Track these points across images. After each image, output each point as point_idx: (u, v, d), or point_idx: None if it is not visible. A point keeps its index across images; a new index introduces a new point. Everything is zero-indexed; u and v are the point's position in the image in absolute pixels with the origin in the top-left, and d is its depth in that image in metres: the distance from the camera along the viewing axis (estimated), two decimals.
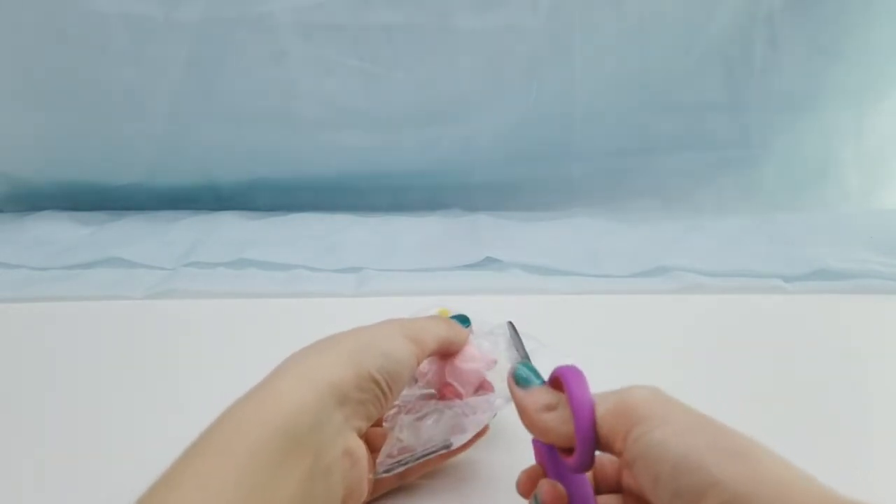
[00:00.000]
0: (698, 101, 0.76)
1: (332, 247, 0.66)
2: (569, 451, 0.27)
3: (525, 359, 0.35)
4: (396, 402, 0.35)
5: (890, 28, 0.74)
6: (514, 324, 0.38)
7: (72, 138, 0.72)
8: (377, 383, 0.29)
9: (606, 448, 0.26)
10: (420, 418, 0.33)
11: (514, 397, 0.29)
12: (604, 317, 0.56)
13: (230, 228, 0.70)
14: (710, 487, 0.21)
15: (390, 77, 0.71)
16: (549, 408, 0.27)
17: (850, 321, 0.56)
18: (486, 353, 0.36)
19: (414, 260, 0.64)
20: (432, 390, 0.35)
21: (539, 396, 0.28)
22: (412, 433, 0.32)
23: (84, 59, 0.67)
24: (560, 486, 0.28)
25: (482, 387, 0.36)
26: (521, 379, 0.29)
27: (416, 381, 0.36)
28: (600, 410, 0.26)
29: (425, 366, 0.36)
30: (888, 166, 0.81)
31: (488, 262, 0.63)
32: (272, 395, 0.27)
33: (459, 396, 0.34)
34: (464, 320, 0.37)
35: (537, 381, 0.29)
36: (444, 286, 0.59)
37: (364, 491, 0.29)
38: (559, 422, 0.27)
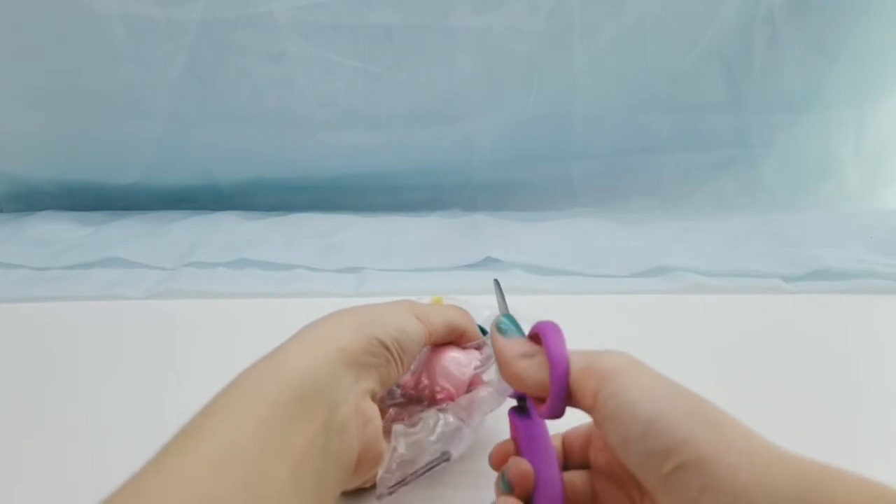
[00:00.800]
0: (698, 101, 0.76)
1: (332, 247, 0.66)
2: (542, 400, 0.28)
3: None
4: (391, 403, 0.35)
5: (890, 28, 0.74)
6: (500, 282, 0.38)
7: (72, 138, 0.72)
8: (387, 347, 0.30)
9: (577, 404, 0.26)
10: (414, 425, 0.32)
11: (494, 345, 0.30)
12: (604, 317, 0.56)
13: (230, 228, 0.70)
14: (678, 446, 0.22)
15: (390, 77, 0.71)
16: (526, 356, 0.28)
17: (850, 321, 0.55)
18: (474, 352, 0.36)
19: (414, 260, 0.64)
20: (423, 395, 0.35)
21: (518, 345, 0.29)
22: (409, 445, 0.32)
23: (84, 59, 0.67)
24: (527, 465, 0.29)
25: (473, 384, 0.36)
26: (502, 329, 0.30)
27: (398, 387, 0.36)
28: (574, 366, 0.26)
29: (415, 366, 0.36)
30: (888, 166, 0.81)
31: (488, 262, 0.63)
32: (285, 358, 0.28)
33: (451, 397, 0.34)
34: (481, 330, 0.38)
35: (517, 333, 0.30)
36: (444, 286, 0.59)
37: (380, 451, 0.30)
38: (534, 369, 0.28)
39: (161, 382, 0.45)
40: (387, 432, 0.32)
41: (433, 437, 0.32)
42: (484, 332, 0.38)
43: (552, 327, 0.29)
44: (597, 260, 0.64)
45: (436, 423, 0.33)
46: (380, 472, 0.31)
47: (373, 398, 0.30)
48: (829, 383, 0.46)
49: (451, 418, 0.33)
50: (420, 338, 0.33)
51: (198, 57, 0.67)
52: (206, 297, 0.57)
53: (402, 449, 0.31)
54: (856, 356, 0.50)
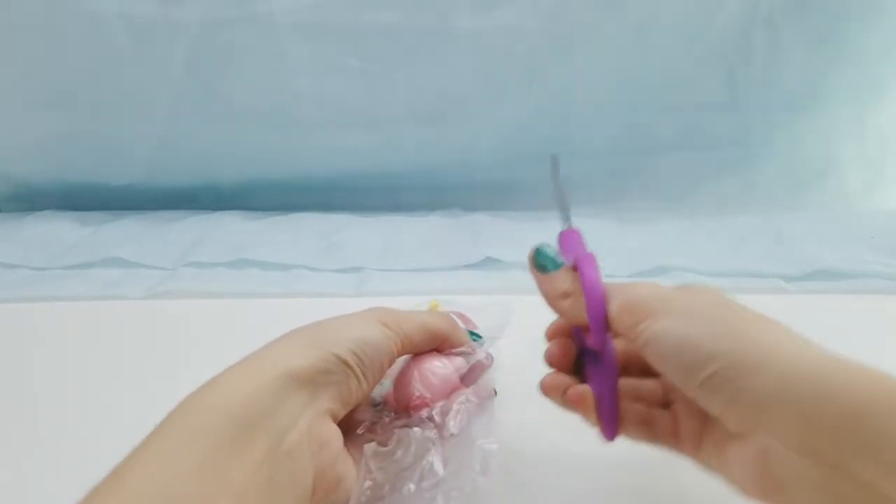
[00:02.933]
0: (698, 101, 0.76)
1: (332, 247, 0.66)
2: (587, 329, 0.31)
3: (564, 212, 0.36)
4: (365, 420, 0.32)
5: (890, 27, 0.74)
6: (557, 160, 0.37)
7: (71, 138, 0.72)
8: (345, 363, 0.28)
9: (621, 336, 0.30)
10: (385, 443, 0.31)
11: (536, 282, 0.32)
12: None
13: (230, 228, 0.70)
14: (709, 359, 0.25)
15: (390, 77, 0.71)
16: (566, 294, 0.31)
17: (851, 321, 0.55)
18: (458, 359, 0.34)
19: (414, 260, 0.64)
20: (393, 407, 0.33)
21: (557, 283, 0.31)
22: (381, 466, 0.30)
23: (84, 59, 0.67)
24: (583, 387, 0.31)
25: (455, 392, 0.34)
26: (539, 265, 0.32)
27: (381, 399, 0.34)
28: (612, 304, 0.29)
29: (393, 370, 0.34)
30: (889, 166, 0.81)
31: (488, 262, 0.63)
32: (222, 385, 0.27)
33: (427, 404, 0.32)
34: (475, 336, 0.36)
35: (554, 267, 0.32)
36: (444, 286, 0.59)
37: (344, 475, 0.28)
38: (575, 309, 0.31)
39: (161, 382, 0.45)
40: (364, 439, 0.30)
41: (406, 460, 0.30)
42: (476, 337, 0.36)
43: (589, 261, 0.31)
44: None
45: (408, 439, 0.31)
46: (354, 491, 0.29)
47: (334, 418, 0.29)
48: None
49: (426, 432, 0.31)
50: (389, 347, 0.31)
51: (198, 57, 0.67)
52: (206, 297, 0.57)
53: (373, 470, 0.29)
54: (856, 356, 0.50)
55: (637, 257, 0.63)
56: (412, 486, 0.30)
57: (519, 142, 0.76)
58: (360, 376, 0.29)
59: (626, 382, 0.32)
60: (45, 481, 0.36)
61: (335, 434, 0.29)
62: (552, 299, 0.32)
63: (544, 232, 0.75)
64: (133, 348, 0.50)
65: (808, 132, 0.79)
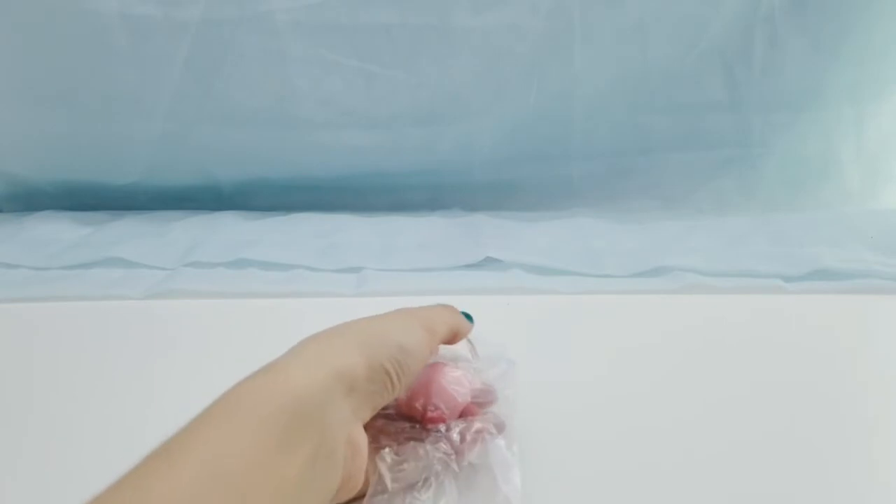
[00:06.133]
0: (698, 100, 0.76)
1: (332, 247, 0.66)
2: None
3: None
4: (380, 414, 0.32)
5: (891, 27, 0.74)
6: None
7: (71, 138, 0.72)
8: (388, 374, 0.28)
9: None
10: (401, 454, 0.30)
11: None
12: (604, 317, 0.56)
13: (230, 228, 0.70)
14: None
15: (390, 77, 0.71)
16: None
17: (851, 321, 0.55)
18: (472, 375, 0.34)
19: (414, 260, 0.64)
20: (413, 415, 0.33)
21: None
22: (395, 477, 0.30)
23: (83, 58, 0.67)
24: None
25: (467, 412, 0.33)
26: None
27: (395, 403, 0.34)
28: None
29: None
30: (889, 166, 0.81)
31: (488, 262, 0.63)
32: (282, 375, 0.26)
33: (443, 419, 0.32)
34: (467, 317, 0.36)
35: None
36: (444, 286, 0.59)
37: (360, 481, 0.29)
38: None
39: (161, 382, 0.45)
40: (371, 443, 0.30)
41: (421, 471, 0.30)
42: (468, 317, 0.36)
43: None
44: (597, 260, 0.64)
45: (425, 454, 0.30)
46: (367, 495, 0.29)
47: (364, 423, 0.29)
48: (830, 383, 0.46)
49: (443, 449, 0.30)
50: (424, 353, 0.30)
51: (197, 56, 0.67)
52: (206, 297, 0.57)
53: (387, 480, 0.29)
54: (856, 356, 0.50)
55: (637, 257, 0.63)
56: (427, 502, 0.29)
57: (519, 142, 0.76)
58: (396, 384, 0.29)
59: None
60: (45, 481, 0.36)
61: (365, 442, 0.29)
62: None
63: (544, 232, 0.76)
64: (133, 348, 0.50)
65: (808, 132, 0.79)
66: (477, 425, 0.32)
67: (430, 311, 0.33)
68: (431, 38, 0.69)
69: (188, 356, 0.49)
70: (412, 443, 0.31)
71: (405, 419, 0.33)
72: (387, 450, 0.30)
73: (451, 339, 0.34)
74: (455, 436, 0.31)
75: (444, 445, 0.31)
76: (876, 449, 0.40)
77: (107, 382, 0.45)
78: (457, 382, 0.33)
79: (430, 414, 0.32)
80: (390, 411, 0.33)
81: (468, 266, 0.63)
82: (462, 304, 0.38)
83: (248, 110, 0.71)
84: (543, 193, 0.80)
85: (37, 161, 0.74)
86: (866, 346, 0.52)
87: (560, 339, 0.51)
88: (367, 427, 0.30)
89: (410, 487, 0.30)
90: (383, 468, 0.29)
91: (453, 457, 0.30)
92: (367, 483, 0.30)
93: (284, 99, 0.70)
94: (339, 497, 0.28)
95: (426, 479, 0.30)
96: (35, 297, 0.57)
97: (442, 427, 0.31)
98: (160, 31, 0.65)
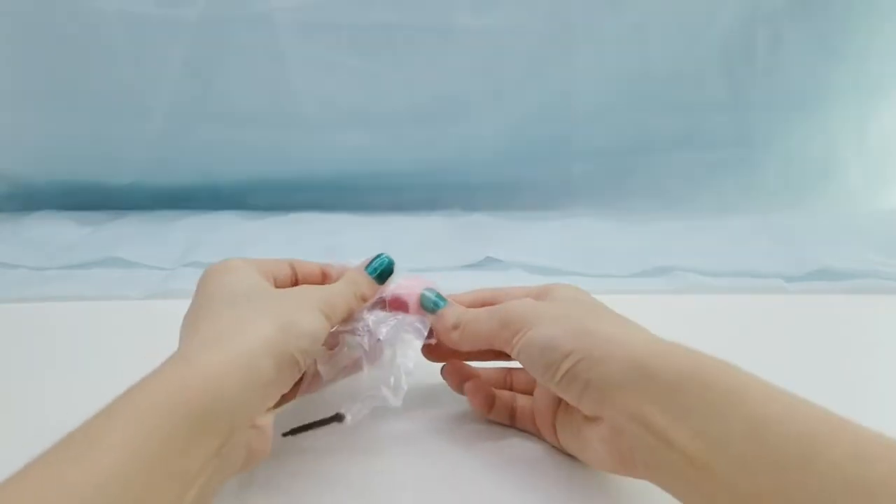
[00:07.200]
0: (699, 100, 0.76)
1: (332, 247, 0.66)
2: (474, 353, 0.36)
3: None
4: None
5: (893, 27, 0.74)
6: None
7: (70, 138, 0.72)
8: (296, 363, 0.29)
9: (503, 355, 0.34)
10: (332, 346, 0.35)
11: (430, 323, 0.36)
12: None
13: (229, 228, 0.70)
14: (565, 356, 0.30)
15: (390, 77, 0.71)
16: (455, 327, 0.35)
17: (852, 321, 0.55)
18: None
19: (414, 260, 0.63)
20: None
21: (445, 319, 0.36)
22: (325, 366, 0.34)
23: (82, 57, 0.67)
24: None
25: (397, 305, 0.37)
26: (427, 308, 0.37)
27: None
28: (491, 325, 0.34)
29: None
30: (890, 166, 0.81)
31: (488, 262, 0.63)
32: (192, 371, 0.27)
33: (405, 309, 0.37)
34: (385, 272, 0.37)
35: (437, 307, 0.36)
36: (444, 286, 0.59)
37: (266, 452, 0.30)
38: (464, 337, 0.35)
39: None
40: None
41: (345, 358, 0.34)
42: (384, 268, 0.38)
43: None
44: (597, 260, 0.63)
45: (346, 343, 0.35)
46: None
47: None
48: (830, 383, 0.46)
49: (361, 338, 0.34)
50: (323, 338, 0.32)
51: (196, 56, 0.67)
52: None
53: (321, 371, 0.34)
54: (857, 356, 0.50)
55: (637, 257, 0.63)
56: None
57: (519, 142, 0.76)
58: (303, 368, 0.30)
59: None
60: None
61: (270, 422, 0.30)
62: (444, 334, 0.36)
63: (544, 232, 0.76)
64: (133, 348, 0.50)
65: (810, 132, 0.79)
66: (392, 320, 0.36)
67: (331, 293, 0.34)
68: (431, 38, 0.69)
69: None
70: (341, 335, 0.35)
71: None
72: (322, 348, 0.34)
73: (349, 315, 0.35)
74: (371, 323, 0.35)
75: (359, 331, 0.35)
76: None
77: (107, 382, 0.45)
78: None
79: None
80: None
81: (468, 266, 0.63)
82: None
83: (248, 110, 0.71)
84: (543, 193, 0.80)
85: (35, 161, 0.74)
86: (867, 346, 0.52)
87: None
88: None
89: (339, 373, 0.35)
90: (318, 363, 0.34)
91: (366, 339, 0.35)
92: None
93: (283, 98, 0.70)
94: (243, 469, 0.29)
95: (348, 365, 0.35)
96: (35, 297, 0.57)
97: (366, 316, 0.36)
98: (159, 30, 0.65)
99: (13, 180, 0.75)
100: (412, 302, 0.37)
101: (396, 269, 0.38)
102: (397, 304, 0.38)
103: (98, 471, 0.22)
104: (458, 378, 0.38)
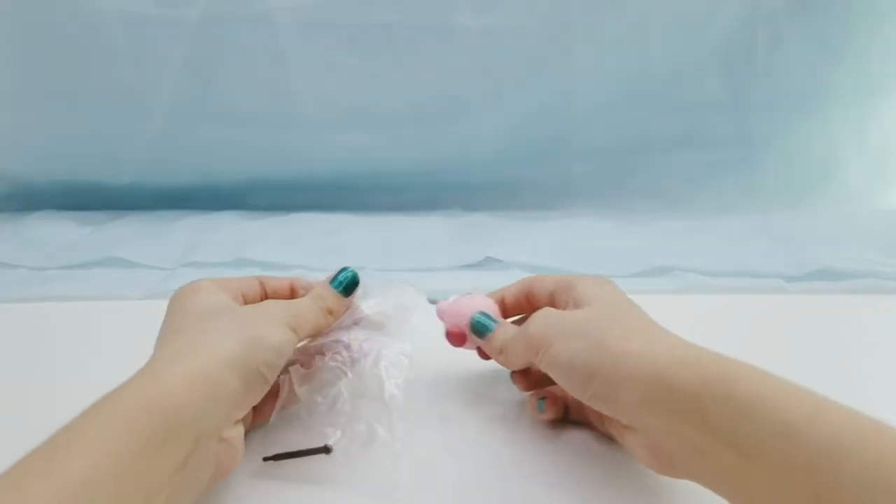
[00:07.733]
0: (699, 100, 0.76)
1: (332, 247, 0.66)
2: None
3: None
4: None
5: (893, 27, 0.74)
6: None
7: (70, 138, 0.72)
8: (262, 376, 0.30)
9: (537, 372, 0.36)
10: (308, 365, 0.35)
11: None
12: None
13: (229, 228, 0.70)
14: (589, 379, 0.31)
15: (390, 77, 0.71)
16: (502, 350, 0.36)
17: (851, 321, 0.55)
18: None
19: (414, 260, 0.64)
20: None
21: (494, 342, 0.37)
22: (301, 387, 0.35)
23: (82, 57, 0.67)
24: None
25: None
26: (477, 332, 0.38)
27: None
28: (518, 346, 0.35)
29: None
30: (890, 166, 0.81)
31: (488, 262, 0.63)
32: (158, 382, 0.27)
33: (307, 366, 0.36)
34: (350, 286, 0.38)
35: (492, 326, 0.37)
36: (444, 286, 0.59)
37: (234, 465, 0.30)
38: (511, 357, 0.36)
39: None
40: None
41: (324, 380, 0.34)
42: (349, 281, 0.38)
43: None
44: (597, 260, 0.63)
45: (325, 366, 0.35)
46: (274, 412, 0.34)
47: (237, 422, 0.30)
48: (830, 383, 0.46)
49: (339, 363, 0.35)
50: (290, 353, 0.32)
51: (196, 56, 0.67)
52: None
53: (296, 391, 0.34)
54: (857, 356, 0.50)
55: (637, 257, 0.63)
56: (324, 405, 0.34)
57: (519, 142, 0.76)
58: (270, 381, 0.31)
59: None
60: None
61: (240, 433, 0.30)
62: (495, 358, 0.38)
63: (544, 232, 0.76)
64: (133, 348, 0.50)
65: (810, 132, 0.78)
66: (369, 342, 0.36)
67: (297, 307, 0.34)
68: (431, 38, 0.69)
69: None
70: (317, 358, 0.36)
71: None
72: (296, 365, 0.35)
73: (316, 333, 0.36)
74: (348, 349, 0.36)
75: (339, 357, 0.35)
76: None
77: (107, 382, 0.45)
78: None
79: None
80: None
81: (468, 266, 0.63)
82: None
83: (248, 110, 0.71)
84: (543, 193, 0.80)
85: (35, 160, 0.74)
86: (867, 346, 0.52)
87: None
88: None
89: (316, 392, 0.35)
90: (293, 380, 0.34)
91: (348, 364, 0.35)
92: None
93: (283, 98, 0.70)
94: (211, 483, 0.29)
95: (326, 388, 0.35)
96: (35, 297, 0.57)
97: (343, 338, 0.36)
98: (158, 30, 0.65)
99: (13, 180, 0.75)
100: (467, 330, 0.38)
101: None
102: (458, 339, 0.39)
103: (63, 485, 0.22)
104: (527, 385, 0.39)
